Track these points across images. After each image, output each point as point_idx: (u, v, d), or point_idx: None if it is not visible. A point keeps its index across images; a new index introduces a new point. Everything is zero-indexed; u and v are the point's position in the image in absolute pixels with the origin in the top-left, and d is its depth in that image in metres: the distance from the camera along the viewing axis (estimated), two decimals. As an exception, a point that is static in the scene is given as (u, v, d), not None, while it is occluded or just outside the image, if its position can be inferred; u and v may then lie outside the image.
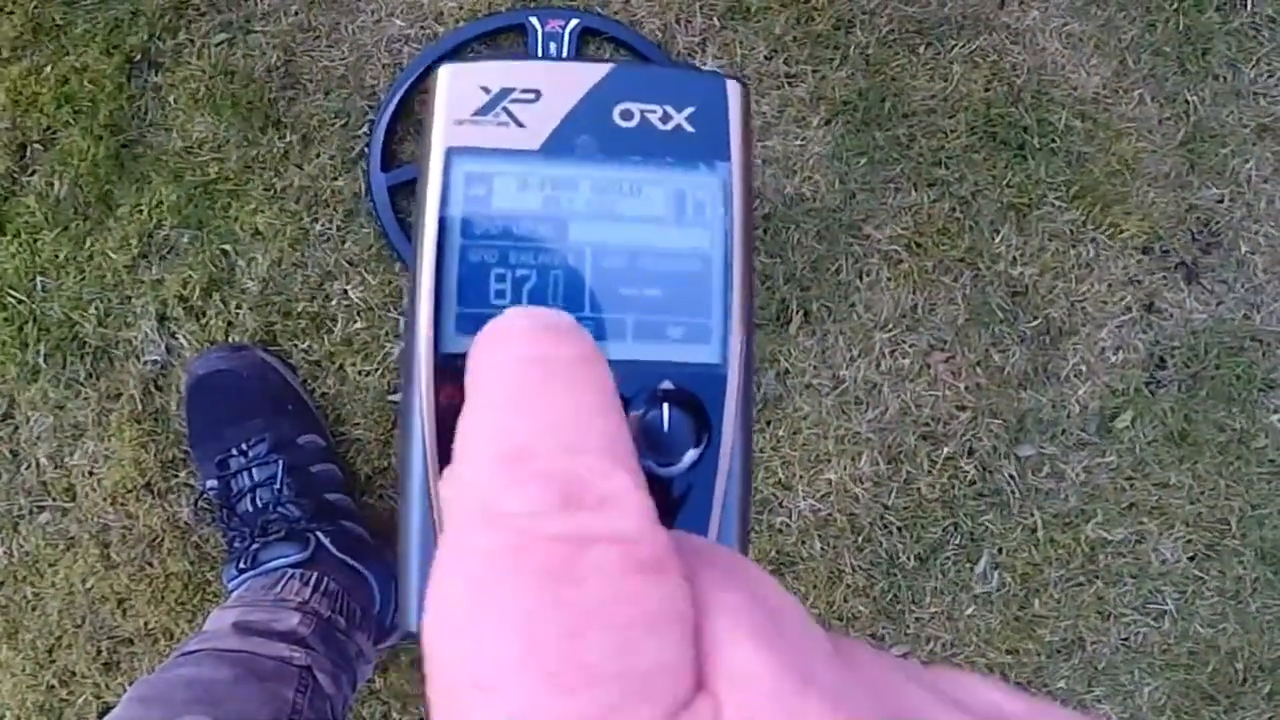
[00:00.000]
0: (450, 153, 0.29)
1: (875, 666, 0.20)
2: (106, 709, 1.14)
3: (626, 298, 0.29)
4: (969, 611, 1.19)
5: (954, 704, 0.19)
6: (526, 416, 0.20)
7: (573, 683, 0.17)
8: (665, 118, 0.30)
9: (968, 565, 1.19)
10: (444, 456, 0.27)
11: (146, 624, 1.15)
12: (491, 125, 0.29)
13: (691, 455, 0.29)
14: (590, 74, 0.30)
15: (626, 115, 0.29)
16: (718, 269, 0.29)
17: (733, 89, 0.30)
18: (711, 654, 0.18)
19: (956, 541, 1.18)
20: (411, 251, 0.30)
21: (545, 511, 0.18)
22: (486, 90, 0.29)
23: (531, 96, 0.29)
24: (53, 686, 1.15)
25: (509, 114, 0.29)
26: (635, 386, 0.28)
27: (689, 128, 0.30)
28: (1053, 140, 1.19)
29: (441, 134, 0.29)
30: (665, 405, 0.28)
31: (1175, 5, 1.21)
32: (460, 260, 0.28)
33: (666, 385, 0.29)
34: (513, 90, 0.29)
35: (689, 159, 0.30)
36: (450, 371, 0.28)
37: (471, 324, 0.28)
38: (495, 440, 0.20)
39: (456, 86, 0.30)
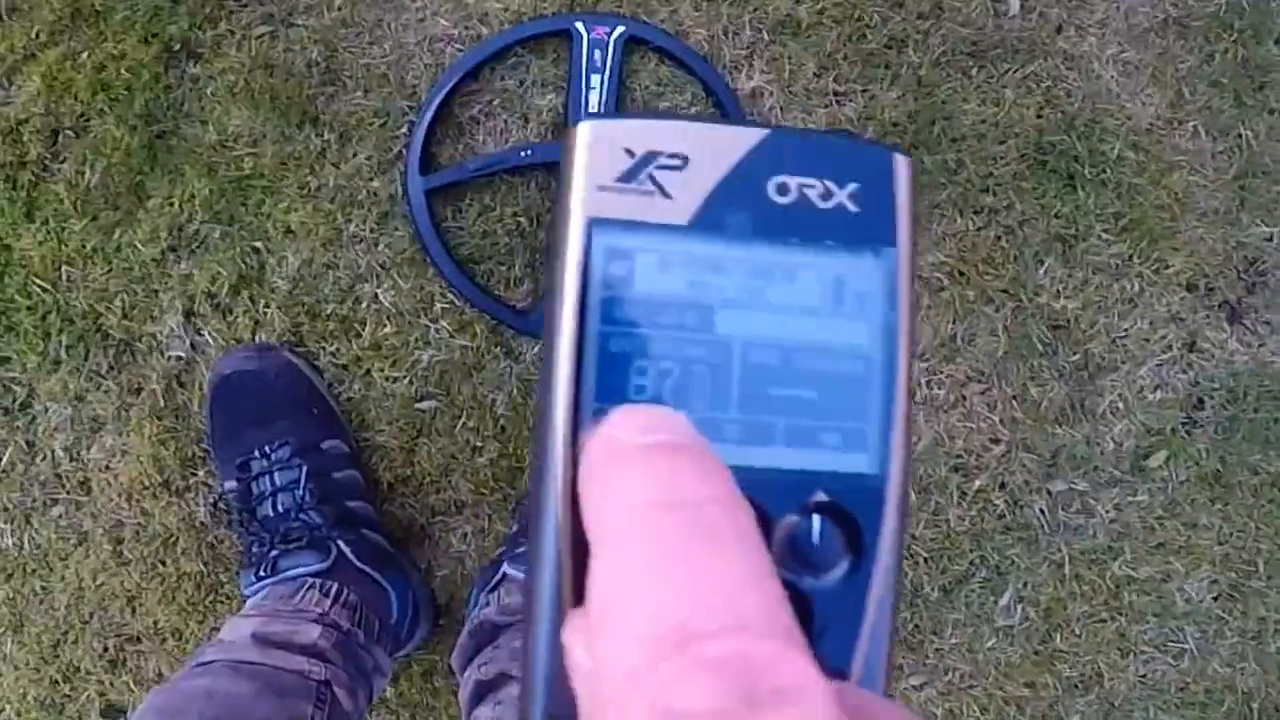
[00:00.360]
0: (592, 224, 0.26)
1: None
2: (110, 706, 1.12)
3: (777, 398, 0.26)
4: (990, 644, 1.17)
5: None
6: (677, 584, 0.18)
7: None
8: (826, 194, 0.27)
9: (991, 598, 1.17)
10: (579, 560, 0.25)
11: (156, 623, 1.13)
12: (635, 194, 0.26)
13: (842, 571, 0.26)
14: (743, 139, 0.27)
15: (783, 190, 0.27)
16: (879, 369, 0.27)
17: (900, 163, 0.27)
18: None
19: (982, 574, 1.17)
20: (547, 335, 0.27)
21: (728, 711, 0.16)
22: (630, 154, 0.26)
23: (679, 163, 0.27)
24: (56, 682, 1.13)
25: (654, 182, 0.26)
26: (785, 497, 0.26)
27: (852, 207, 0.27)
28: (1104, 171, 1.17)
29: (582, 201, 0.26)
30: (816, 517, 0.26)
31: (1234, 36, 1.19)
32: (599, 348, 0.26)
33: (820, 496, 0.26)
34: (659, 155, 0.27)
35: (852, 243, 0.27)
36: None
37: None
38: (645, 614, 0.18)
39: (599, 147, 0.27)
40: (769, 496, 0.26)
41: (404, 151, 1.12)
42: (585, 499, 0.20)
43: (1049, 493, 1.17)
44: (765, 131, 0.27)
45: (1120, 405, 1.17)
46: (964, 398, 1.16)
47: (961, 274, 1.15)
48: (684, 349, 0.26)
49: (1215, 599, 1.19)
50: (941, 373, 1.15)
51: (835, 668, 0.26)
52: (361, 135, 1.12)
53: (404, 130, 1.13)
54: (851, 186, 0.27)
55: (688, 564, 0.18)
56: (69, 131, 1.12)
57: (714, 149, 0.27)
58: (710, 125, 0.28)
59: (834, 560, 0.26)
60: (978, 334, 1.16)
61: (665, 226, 0.26)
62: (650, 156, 0.27)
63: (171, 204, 1.11)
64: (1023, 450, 1.16)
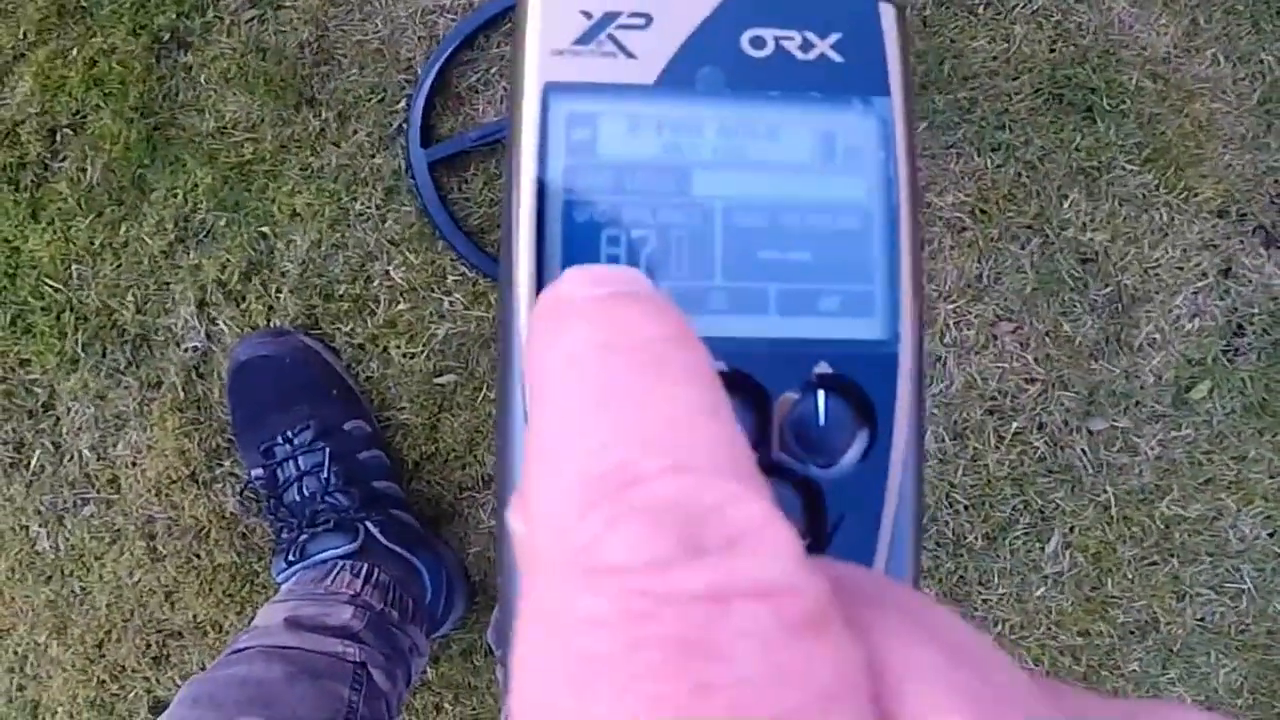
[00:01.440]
0: (548, 89, 0.24)
1: (1088, 708, 0.16)
2: (157, 703, 1.12)
3: (768, 262, 0.24)
4: (1039, 593, 1.14)
5: None
6: (614, 424, 0.15)
7: None
8: (806, 45, 0.25)
9: (1038, 545, 1.14)
10: None
11: (195, 616, 1.13)
12: (595, 56, 0.25)
13: (854, 455, 0.24)
14: None
15: (758, 43, 0.25)
16: (880, 224, 0.24)
17: (886, 10, 0.25)
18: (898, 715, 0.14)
19: (1026, 520, 1.14)
20: (505, 209, 0.25)
21: (664, 561, 0.14)
22: (587, 15, 0.25)
23: (641, 21, 0.25)
24: (103, 681, 1.14)
25: (615, 42, 0.25)
26: (783, 371, 0.24)
27: (836, 57, 0.25)
28: (1122, 102, 1.13)
29: (536, 67, 0.24)
30: (821, 393, 0.24)
31: (1249, -42, 1.14)
32: (564, 219, 0.24)
33: (823, 369, 0.24)
34: (619, 14, 0.25)
35: (839, 94, 0.25)
36: None
37: None
38: (578, 458, 0.15)
39: (551, 10, 0.25)
40: (765, 372, 0.24)
41: (404, 126, 1.10)
42: (528, 357, 0.18)
43: (1089, 432, 1.14)
44: None
45: (1157, 336, 1.13)
46: (995, 338, 1.13)
47: (983, 212, 1.12)
48: (659, 214, 0.24)
49: (1271, 535, 1.15)
50: (970, 313, 1.12)
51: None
52: (360, 112, 1.11)
53: (402, 104, 1.11)
54: (834, 37, 0.25)
55: (628, 401, 0.16)
56: (66, 129, 1.11)
57: (679, 5, 0.25)
58: None
59: (844, 443, 0.24)
60: (1004, 272, 1.12)
61: (630, 87, 0.24)
62: (609, 17, 0.25)
63: (175, 195, 1.11)
64: (1059, 389, 1.13)
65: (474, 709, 1.14)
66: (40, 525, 1.13)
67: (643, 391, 0.16)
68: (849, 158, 0.24)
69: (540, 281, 0.24)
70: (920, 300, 0.24)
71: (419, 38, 1.12)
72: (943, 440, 1.13)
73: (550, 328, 0.17)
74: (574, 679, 0.14)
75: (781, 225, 0.24)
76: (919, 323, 0.24)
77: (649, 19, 0.25)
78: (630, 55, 0.25)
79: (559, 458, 0.16)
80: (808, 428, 0.23)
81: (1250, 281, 1.14)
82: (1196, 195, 1.13)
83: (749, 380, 0.23)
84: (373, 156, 1.11)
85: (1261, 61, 1.15)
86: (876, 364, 0.24)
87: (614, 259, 0.24)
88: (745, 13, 0.25)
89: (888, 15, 0.25)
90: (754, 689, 0.13)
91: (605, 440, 0.15)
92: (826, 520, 0.23)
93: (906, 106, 0.25)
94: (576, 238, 0.24)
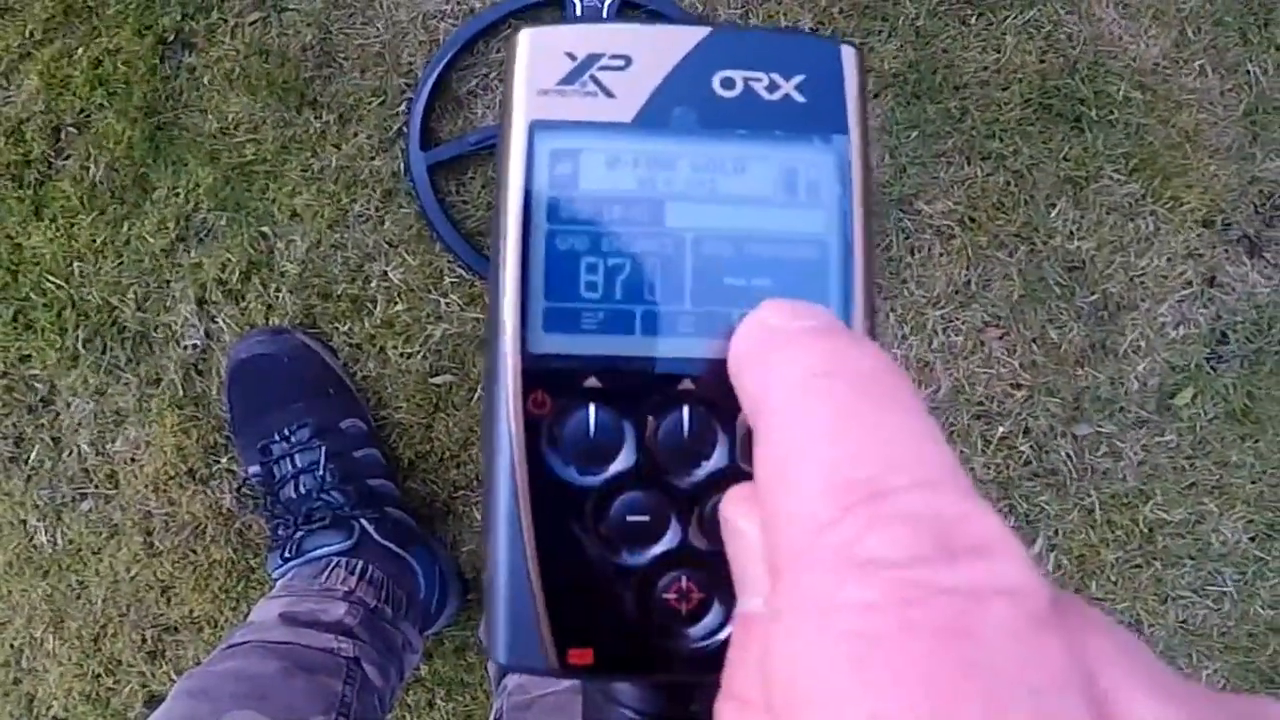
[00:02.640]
0: (534, 126, 0.26)
1: (1244, 703, 0.18)
2: (152, 698, 1.13)
3: (733, 289, 0.26)
4: (1023, 595, 1.16)
5: None
6: (858, 441, 0.18)
7: None
8: (772, 86, 0.27)
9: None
10: (535, 469, 0.25)
11: (191, 612, 1.14)
12: (578, 95, 0.26)
13: None
14: (686, 38, 0.27)
15: (728, 84, 0.26)
16: (836, 255, 0.26)
17: (848, 54, 0.27)
18: (1115, 712, 0.16)
19: (1012, 523, 1.15)
20: (493, 237, 0.27)
21: (929, 559, 0.16)
22: (572, 57, 0.26)
23: (621, 63, 0.26)
24: (99, 675, 1.15)
25: (597, 83, 0.26)
26: None
27: (799, 97, 0.27)
28: (1110, 112, 1.15)
29: (523, 105, 0.26)
30: None
31: (1237, -29, 1.16)
32: (547, 248, 0.26)
33: None
34: (600, 56, 0.26)
35: (801, 132, 0.26)
36: (539, 375, 0.25)
37: (561, 320, 0.26)
38: (827, 469, 0.18)
39: (538, 53, 0.27)
40: (730, 389, 0.25)
41: (404, 129, 1.12)
42: (745, 374, 0.20)
43: (1074, 437, 1.15)
44: (708, 30, 0.27)
45: (1142, 344, 1.15)
46: (982, 343, 1.14)
47: (972, 220, 1.14)
48: (634, 244, 0.26)
49: (1252, 539, 1.17)
50: (958, 319, 1.14)
51: None
52: (361, 115, 1.13)
53: (402, 108, 1.13)
54: (798, 78, 0.27)
55: (867, 423, 0.18)
56: (71, 128, 1.13)
57: (657, 48, 0.27)
58: (653, 27, 0.28)
59: None
60: (992, 279, 1.14)
61: (610, 125, 0.26)
62: (592, 59, 0.27)
63: (177, 194, 1.12)
64: (1045, 394, 1.15)
65: (466, 705, 1.15)
66: (38, 519, 1.14)
67: (875, 414, 0.18)
68: (809, 192, 0.26)
69: (525, 303, 0.25)
70: (872, 322, 0.26)
71: (420, 42, 1.14)
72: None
73: (766, 355, 0.20)
74: (849, 659, 0.16)
75: (746, 254, 0.26)
76: None
77: (628, 61, 0.26)
78: (610, 95, 0.26)
79: (809, 466, 0.18)
80: None
81: (1234, 290, 1.16)
82: (1182, 205, 1.15)
83: (715, 396, 0.25)
84: (373, 159, 1.13)
85: (1248, 73, 1.17)
86: None
87: (593, 285, 0.26)
88: (717, 56, 0.27)
89: (849, 58, 0.27)
90: (1009, 671, 0.15)
91: (852, 454, 0.17)
92: None
93: (863, 144, 0.27)
94: (558, 263, 0.26)
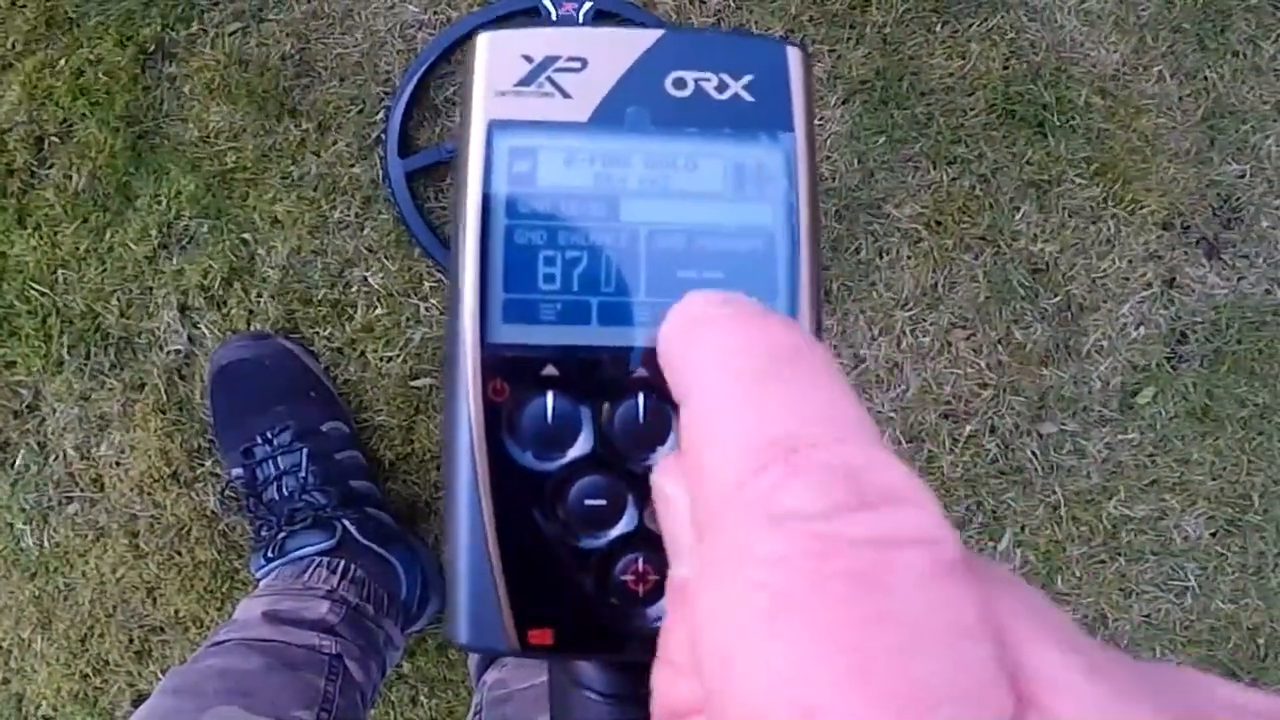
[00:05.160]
0: (492, 126, 0.27)
1: (1149, 667, 0.18)
2: (140, 697, 1.15)
3: (685, 280, 0.27)
4: (991, 589, 1.19)
5: (1224, 702, 0.17)
6: (776, 402, 0.18)
7: (915, 705, 0.15)
8: (721, 86, 0.28)
9: (990, 543, 1.19)
10: (494, 456, 0.26)
11: (177, 612, 1.16)
12: (535, 96, 0.27)
13: None
14: (639, 40, 0.28)
15: (680, 84, 0.28)
16: (783, 247, 0.27)
17: (794, 55, 0.28)
18: (1021, 662, 0.16)
19: (979, 520, 1.19)
20: (453, 233, 0.28)
21: (840, 510, 0.16)
22: (529, 59, 0.27)
23: (577, 65, 0.27)
24: (86, 675, 1.16)
25: (554, 84, 0.27)
26: None
27: (747, 97, 0.28)
28: (1072, 117, 1.18)
29: (482, 106, 0.27)
30: None
31: (1195, -22, 1.19)
32: (506, 242, 0.27)
33: None
34: (557, 59, 0.27)
35: (749, 130, 0.28)
36: (498, 364, 0.26)
37: (519, 311, 0.27)
38: (746, 429, 0.18)
39: (496, 55, 0.28)
40: None
41: (382, 136, 1.14)
42: (671, 358, 0.21)
43: (1040, 435, 1.18)
44: (661, 32, 0.28)
45: (1105, 344, 1.18)
46: (949, 344, 1.17)
47: (939, 223, 1.17)
48: (590, 238, 0.27)
49: (1213, 535, 1.20)
50: (925, 320, 1.17)
51: None
52: (340, 123, 1.15)
53: (381, 116, 1.15)
54: (746, 78, 0.28)
55: (781, 387, 0.19)
56: (53, 137, 1.15)
57: (611, 50, 0.28)
58: (607, 29, 0.29)
59: None
60: (958, 281, 1.17)
61: (566, 124, 0.27)
62: (548, 61, 0.28)
63: (159, 202, 1.14)
64: (1011, 393, 1.17)
65: (449, 701, 1.17)
66: (25, 523, 1.16)
67: (790, 378, 0.19)
68: (757, 187, 0.28)
69: (484, 295, 0.27)
70: (818, 311, 0.28)
71: (398, 51, 1.16)
72: (899, 443, 1.17)
73: (690, 334, 0.21)
74: (762, 613, 0.16)
75: (698, 247, 0.27)
76: (816, 331, 0.28)
77: (584, 63, 0.28)
78: (566, 95, 0.27)
79: (726, 430, 0.18)
80: None
81: (1193, 291, 1.19)
82: (1142, 208, 1.18)
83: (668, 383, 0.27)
84: (352, 166, 1.15)
85: (1206, 79, 1.20)
86: None
87: (550, 277, 0.27)
88: (669, 57, 0.28)
89: (794, 59, 0.28)
90: (921, 620, 0.16)
91: (769, 414, 0.18)
92: None
93: (809, 141, 0.28)
94: (516, 257, 0.27)
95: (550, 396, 0.26)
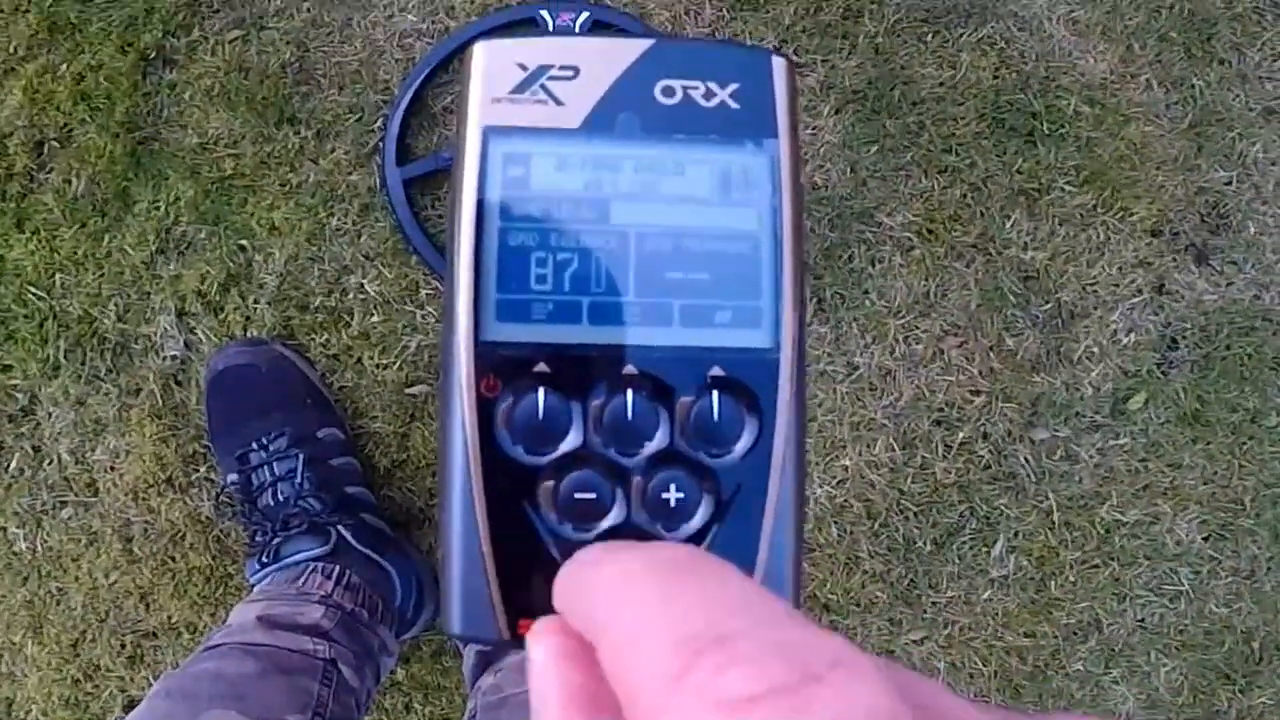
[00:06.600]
0: (487, 132, 0.28)
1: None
2: (131, 703, 1.15)
3: (672, 281, 0.28)
4: (986, 595, 1.19)
5: None
6: (692, 602, 0.19)
7: None
8: (709, 94, 0.29)
9: (984, 549, 1.19)
10: (487, 450, 0.27)
11: (170, 618, 1.15)
12: (529, 103, 0.28)
13: (744, 445, 0.28)
14: (630, 50, 0.29)
15: (668, 92, 0.29)
16: (767, 250, 0.28)
17: (778, 65, 0.29)
18: None
19: (972, 526, 1.19)
20: (449, 235, 0.29)
21: (786, 688, 0.16)
22: (523, 67, 0.29)
23: (570, 74, 0.29)
24: (78, 680, 1.16)
25: (547, 91, 0.29)
26: (684, 373, 0.28)
27: (734, 104, 0.29)
28: (1061, 126, 1.19)
29: (477, 113, 0.28)
30: (715, 393, 0.28)
31: (1180, -10, 1.21)
32: (500, 244, 0.28)
33: (717, 372, 0.28)
34: (550, 67, 0.29)
35: (735, 137, 0.29)
36: (491, 361, 0.27)
37: (512, 310, 0.27)
38: (674, 622, 0.18)
39: (492, 64, 0.29)
40: (669, 374, 0.28)
41: (380, 144, 1.15)
42: (573, 606, 0.21)
43: (1032, 441, 1.19)
44: (651, 41, 0.29)
45: (1095, 350, 1.19)
46: (941, 351, 1.18)
47: (930, 232, 1.18)
48: (581, 240, 0.28)
49: (1206, 539, 1.21)
50: (918, 328, 1.18)
51: (743, 538, 0.28)
52: (338, 131, 1.16)
53: (379, 124, 1.16)
54: (733, 86, 0.29)
55: (694, 589, 0.19)
56: (53, 142, 1.15)
57: (603, 59, 0.29)
58: (599, 39, 0.30)
59: (735, 435, 0.28)
60: (950, 289, 1.18)
61: (558, 130, 0.28)
62: (542, 69, 0.29)
63: (157, 208, 1.14)
64: (1003, 400, 1.18)
65: (443, 708, 1.17)
66: (18, 526, 1.16)
67: (697, 583, 0.19)
68: (743, 192, 0.29)
69: (478, 295, 0.28)
70: (801, 313, 0.29)
71: (396, 60, 1.17)
72: (893, 450, 1.18)
73: (588, 569, 0.21)
74: None
75: (685, 250, 0.28)
76: (799, 332, 0.29)
77: (576, 71, 0.29)
78: (559, 103, 0.29)
79: (649, 637, 0.18)
80: (704, 422, 0.28)
81: (1183, 298, 1.20)
82: (1131, 215, 1.20)
83: (656, 381, 0.28)
84: (350, 174, 1.16)
85: (1193, 86, 1.22)
86: (762, 368, 0.28)
87: (542, 278, 0.28)
88: (658, 66, 0.29)
89: (779, 68, 0.29)
90: None
91: (690, 612, 0.18)
92: (720, 498, 0.28)
93: (792, 147, 0.29)
94: (510, 258, 0.28)
95: (542, 393, 0.27)
